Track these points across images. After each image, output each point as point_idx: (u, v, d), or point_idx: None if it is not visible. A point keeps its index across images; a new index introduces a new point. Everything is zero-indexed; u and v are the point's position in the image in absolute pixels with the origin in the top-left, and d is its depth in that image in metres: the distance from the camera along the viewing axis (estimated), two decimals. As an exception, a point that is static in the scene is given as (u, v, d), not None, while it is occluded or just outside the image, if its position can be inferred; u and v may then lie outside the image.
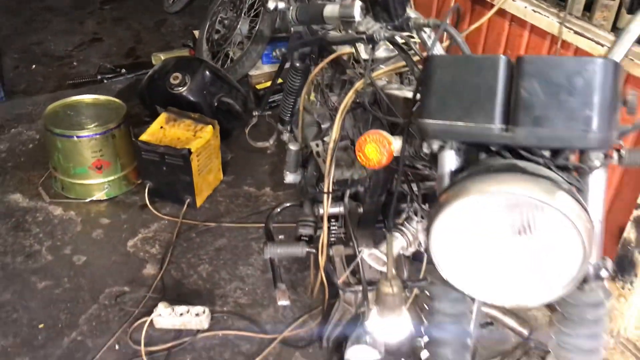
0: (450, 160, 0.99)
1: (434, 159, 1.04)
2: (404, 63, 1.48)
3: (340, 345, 1.90)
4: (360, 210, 1.85)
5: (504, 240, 0.93)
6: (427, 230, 0.96)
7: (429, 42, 1.04)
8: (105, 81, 3.61)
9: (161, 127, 2.63)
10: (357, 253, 1.66)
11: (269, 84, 3.28)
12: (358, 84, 1.59)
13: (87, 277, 2.33)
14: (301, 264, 2.33)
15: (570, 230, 0.85)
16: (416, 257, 1.81)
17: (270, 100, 3.13)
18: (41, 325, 2.13)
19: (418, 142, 1.01)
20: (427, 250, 1.01)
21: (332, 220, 1.89)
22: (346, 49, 1.77)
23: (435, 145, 0.94)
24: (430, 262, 1.02)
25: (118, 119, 2.63)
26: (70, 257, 2.41)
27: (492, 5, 2.17)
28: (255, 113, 2.34)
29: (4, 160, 2.92)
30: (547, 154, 0.88)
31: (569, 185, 0.86)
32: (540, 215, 0.88)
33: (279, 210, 1.93)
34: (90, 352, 2.04)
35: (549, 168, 0.87)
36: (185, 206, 2.61)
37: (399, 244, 1.65)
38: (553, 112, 0.82)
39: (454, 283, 0.98)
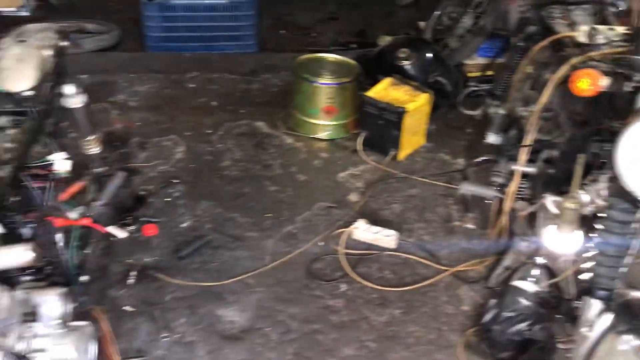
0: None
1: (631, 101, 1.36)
2: (618, 49, 1.78)
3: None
4: (551, 171, 2.14)
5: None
6: (616, 145, 1.28)
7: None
8: (335, 52, 4.22)
9: (385, 89, 3.13)
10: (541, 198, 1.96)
11: (480, 73, 3.62)
12: (574, 60, 1.91)
13: (305, 191, 2.91)
14: (484, 220, 2.64)
15: None
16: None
17: (475, 88, 3.49)
18: (269, 215, 2.74)
19: (622, 81, 1.33)
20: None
21: (523, 179, 2.21)
22: (568, 32, 2.08)
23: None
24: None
25: (351, 75, 3.20)
26: (295, 174, 3.02)
27: None
28: (471, 83, 2.73)
29: (255, 96, 3.65)
30: None
31: None
32: None
33: (479, 160, 2.30)
34: (301, 243, 2.59)
35: None
36: (389, 157, 3.08)
37: (582, 199, 1.92)
38: None
39: (633, 189, 1.28)
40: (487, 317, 2.07)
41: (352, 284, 2.41)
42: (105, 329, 1.76)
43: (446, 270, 2.47)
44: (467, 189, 2.18)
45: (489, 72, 3.60)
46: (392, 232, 2.58)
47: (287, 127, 3.35)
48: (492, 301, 2.07)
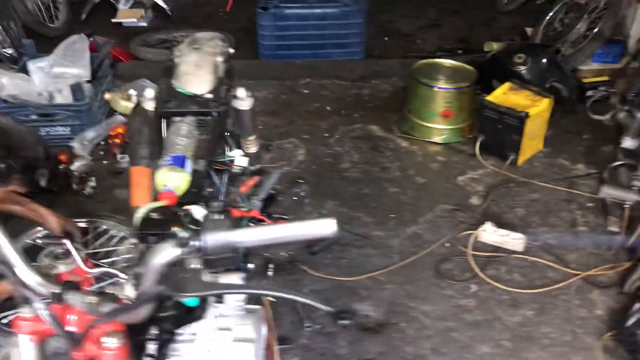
0: None
1: None
2: None
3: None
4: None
5: None
6: None
7: None
8: (441, 58, 4.27)
9: (504, 93, 3.15)
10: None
11: (595, 79, 3.58)
12: None
13: (426, 193, 2.97)
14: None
15: None
16: None
17: (603, 93, 3.45)
18: (392, 215, 2.82)
19: None
20: None
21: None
22: None
23: None
24: None
25: (469, 80, 3.25)
26: (413, 177, 3.09)
27: None
28: (602, 88, 2.73)
29: (367, 101, 3.75)
30: None
31: None
32: None
33: (615, 164, 2.30)
34: (426, 243, 2.66)
35: None
36: (508, 162, 3.10)
37: None
38: None
39: None
40: (631, 321, 2.06)
41: (482, 285, 2.46)
42: (268, 314, 1.88)
43: (576, 274, 2.47)
44: (608, 192, 2.19)
45: (605, 77, 3.56)
46: (519, 235, 2.60)
47: (401, 130, 3.43)
48: (637, 305, 2.07)
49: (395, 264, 2.55)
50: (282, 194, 2.94)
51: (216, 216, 0.95)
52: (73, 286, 0.97)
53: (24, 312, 0.96)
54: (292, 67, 4.09)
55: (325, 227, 0.89)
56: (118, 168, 3.10)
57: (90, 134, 3.21)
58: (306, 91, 3.87)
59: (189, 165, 1.54)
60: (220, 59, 1.97)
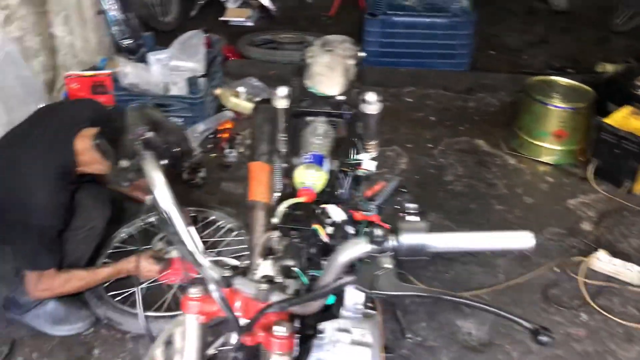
0: None
1: None
2: None
3: None
4: None
5: None
6: None
7: None
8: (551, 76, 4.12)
9: (624, 117, 3.00)
10: None
11: None
12: None
13: (533, 213, 2.87)
14: None
15: None
16: None
17: None
18: (498, 233, 2.74)
19: None
20: None
21: None
22: None
23: None
24: None
25: (586, 101, 3.12)
26: (521, 196, 2.99)
27: None
28: None
29: (473, 114, 3.68)
30: None
31: None
32: None
33: None
34: (533, 266, 2.55)
35: None
36: (624, 189, 2.95)
37: None
38: None
39: None
40: None
41: (593, 315, 2.34)
42: (380, 320, 1.87)
43: (700, 313, 2.31)
44: None
45: None
46: (636, 267, 2.46)
47: (509, 147, 3.33)
48: None
49: (501, 284, 2.47)
50: (384, 202, 2.93)
51: (412, 217, 0.95)
52: (242, 272, 1.00)
53: (193, 292, 1.00)
54: (397, 75, 4.07)
55: (523, 240, 0.87)
56: (226, 162, 3.18)
57: (200, 126, 3.32)
58: (410, 100, 3.84)
59: (326, 164, 1.55)
60: (351, 62, 1.98)
